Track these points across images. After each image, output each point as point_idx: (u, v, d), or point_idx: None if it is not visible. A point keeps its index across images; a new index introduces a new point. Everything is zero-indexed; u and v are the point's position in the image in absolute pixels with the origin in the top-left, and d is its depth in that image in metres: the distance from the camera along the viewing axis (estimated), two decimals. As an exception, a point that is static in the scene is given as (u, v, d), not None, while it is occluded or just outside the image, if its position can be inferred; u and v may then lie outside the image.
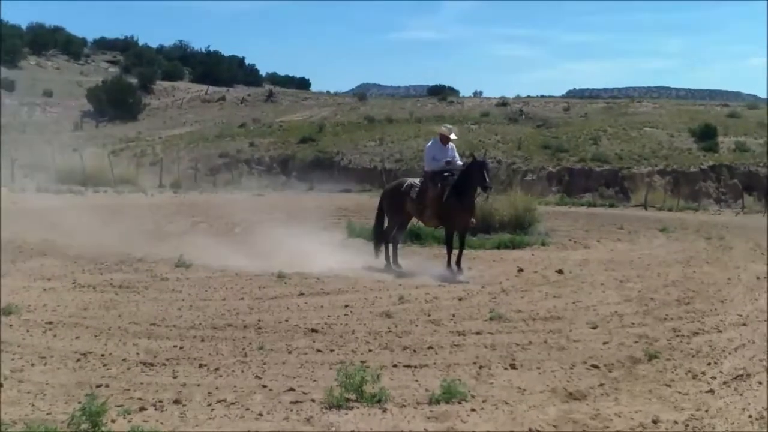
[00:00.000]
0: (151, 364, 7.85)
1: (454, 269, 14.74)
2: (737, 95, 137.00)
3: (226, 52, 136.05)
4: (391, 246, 16.07)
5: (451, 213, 15.05)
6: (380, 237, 16.43)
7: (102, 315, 10.10)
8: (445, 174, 15.22)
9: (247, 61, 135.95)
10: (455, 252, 15.03)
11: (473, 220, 15.55)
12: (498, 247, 19.07)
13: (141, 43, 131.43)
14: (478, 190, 14.97)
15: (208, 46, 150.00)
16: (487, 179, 14.70)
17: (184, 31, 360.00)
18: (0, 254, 14.10)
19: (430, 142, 16.17)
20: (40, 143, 55.75)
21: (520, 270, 15.49)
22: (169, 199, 37.43)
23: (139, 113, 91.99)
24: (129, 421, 6.01)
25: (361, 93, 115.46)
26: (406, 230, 17.27)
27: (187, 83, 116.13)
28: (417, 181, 15.98)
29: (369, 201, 41.49)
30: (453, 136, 15.64)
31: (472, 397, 6.92)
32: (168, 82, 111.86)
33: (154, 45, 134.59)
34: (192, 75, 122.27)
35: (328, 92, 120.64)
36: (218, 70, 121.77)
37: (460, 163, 15.54)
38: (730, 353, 9.06)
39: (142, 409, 6.43)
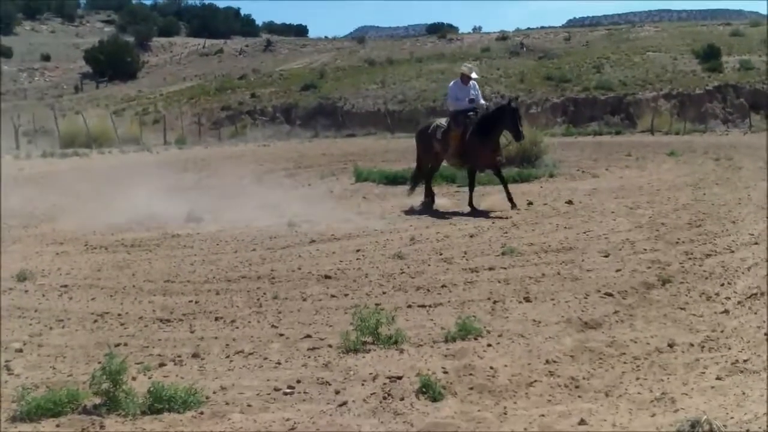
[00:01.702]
0: (168, 320, 7.89)
1: (477, 206, 14.98)
2: (739, 13, 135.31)
3: (221, 4, 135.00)
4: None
5: (475, 151, 15.08)
6: (415, 179, 16.72)
7: (116, 275, 10.13)
8: (469, 113, 15.27)
9: (242, 12, 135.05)
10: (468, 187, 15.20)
11: (500, 158, 15.53)
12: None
13: (134, 0, 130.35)
14: (506, 135, 15.07)
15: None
16: (521, 128, 14.75)
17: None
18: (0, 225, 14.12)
19: (452, 83, 16.20)
20: (41, 108, 55.65)
21: (530, 203, 15.49)
22: (175, 156, 37.37)
23: (138, 71, 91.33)
24: (149, 378, 6.05)
25: (360, 36, 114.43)
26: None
27: (183, 38, 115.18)
28: (443, 121, 16.04)
29: (374, 144, 41.56)
30: (474, 75, 15.69)
31: (488, 332, 6.95)
32: (165, 39, 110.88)
33: (148, 2, 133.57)
34: (188, 29, 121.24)
35: (326, 38, 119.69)
36: (214, 22, 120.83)
37: (483, 102, 15.57)
38: (743, 273, 9.08)
39: (161, 365, 6.48)
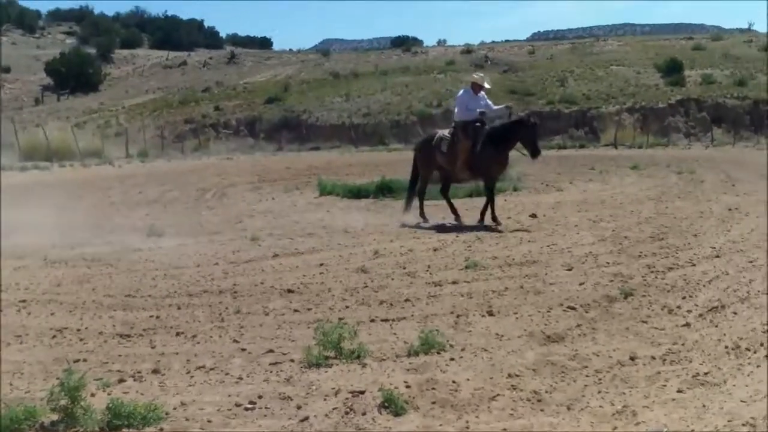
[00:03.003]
0: (128, 336, 7.79)
1: (498, 221, 14.64)
2: (701, 27, 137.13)
3: (184, 15, 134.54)
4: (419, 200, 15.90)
5: (487, 163, 14.89)
6: (411, 194, 16.13)
7: (76, 290, 10.00)
8: (477, 124, 15.01)
9: (206, 24, 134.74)
10: (488, 201, 15.03)
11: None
12: (470, 196, 19.02)
13: (96, 12, 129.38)
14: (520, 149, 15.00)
15: (165, 11, 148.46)
16: (538, 145, 14.75)
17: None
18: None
19: (461, 92, 15.90)
20: (1, 121, 55.01)
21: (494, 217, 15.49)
22: (137, 169, 37.14)
23: (100, 84, 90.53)
24: (108, 394, 5.95)
25: (325, 49, 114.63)
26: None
27: (146, 50, 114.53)
28: (447, 133, 15.63)
29: (338, 158, 41.60)
30: (486, 85, 15.50)
31: (451, 346, 6.93)
32: (127, 51, 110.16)
33: (110, 13, 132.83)
34: (151, 41, 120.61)
35: (290, 50, 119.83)
36: (177, 34, 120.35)
37: (495, 108, 15.48)
38: (704, 286, 9.14)
39: (121, 380, 6.38)
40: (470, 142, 14.88)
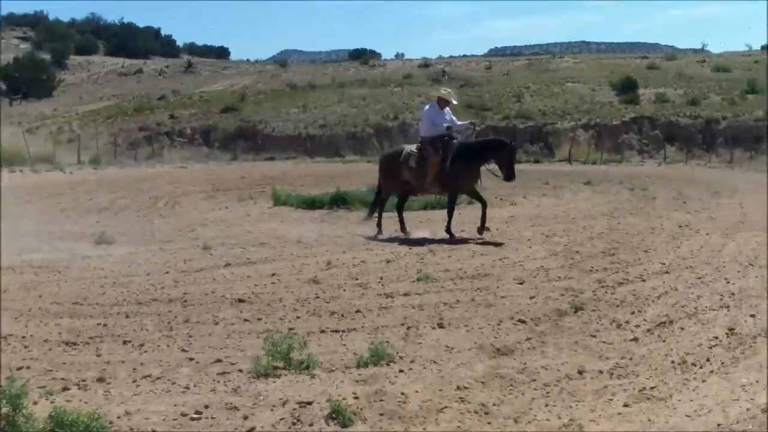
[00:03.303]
0: (74, 344, 7.67)
1: (453, 233, 14.68)
2: (656, 47, 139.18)
3: (141, 23, 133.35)
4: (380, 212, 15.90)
5: (457, 177, 14.84)
6: (374, 206, 16.14)
7: (22, 297, 9.83)
8: (445, 138, 14.97)
9: (163, 32, 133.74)
10: (447, 214, 15.09)
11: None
12: (425, 208, 19.05)
13: (52, 17, 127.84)
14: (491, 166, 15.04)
15: (122, 17, 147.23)
16: (514, 170, 14.78)
17: (95, 3, 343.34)
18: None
19: (427, 107, 15.80)
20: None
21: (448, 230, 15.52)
22: (89, 176, 36.73)
23: (53, 90, 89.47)
24: (51, 402, 5.83)
25: (282, 60, 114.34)
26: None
27: (102, 57, 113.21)
28: (414, 148, 15.43)
29: (293, 168, 41.49)
30: (454, 101, 15.54)
31: (400, 358, 6.91)
32: (82, 57, 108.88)
33: (65, 19, 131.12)
34: (106, 48, 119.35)
35: (248, 60, 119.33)
36: (134, 42, 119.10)
37: (459, 123, 15.50)
38: (653, 301, 9.22)
39: (65, 389, 6.27)
40: (440, 156, 14.83)
